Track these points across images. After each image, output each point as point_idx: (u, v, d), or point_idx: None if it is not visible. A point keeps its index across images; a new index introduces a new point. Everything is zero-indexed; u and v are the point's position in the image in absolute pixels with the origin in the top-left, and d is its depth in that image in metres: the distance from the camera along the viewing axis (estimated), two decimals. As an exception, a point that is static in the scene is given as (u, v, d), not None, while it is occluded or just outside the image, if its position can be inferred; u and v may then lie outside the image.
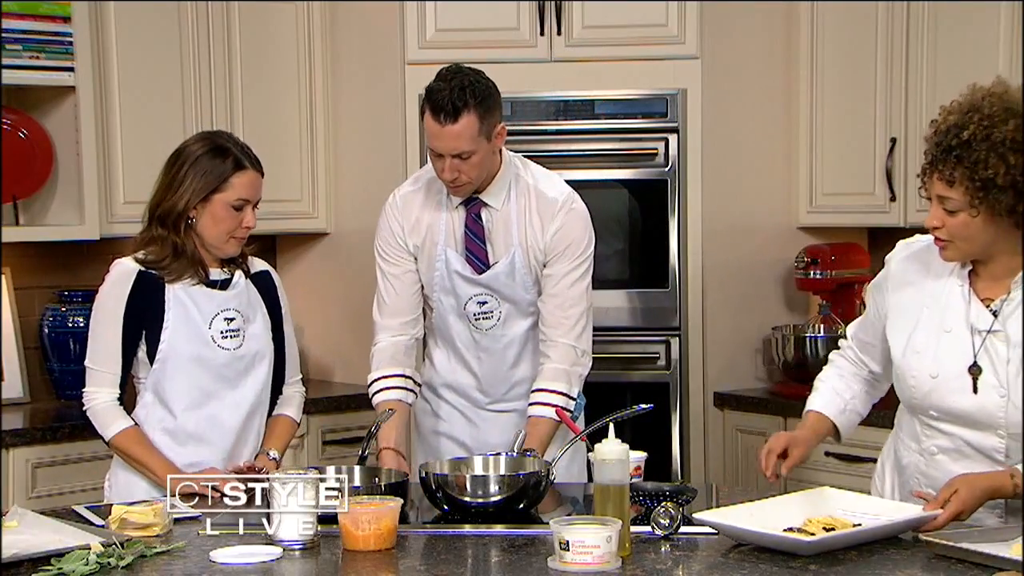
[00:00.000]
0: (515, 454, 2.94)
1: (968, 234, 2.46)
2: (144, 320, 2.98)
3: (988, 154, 2.39)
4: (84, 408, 3.00)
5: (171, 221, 2.98)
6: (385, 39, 4.44)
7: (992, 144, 2.39)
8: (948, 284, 2.60)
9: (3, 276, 4.21)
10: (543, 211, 3.20)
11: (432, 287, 3.26)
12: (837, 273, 4.39)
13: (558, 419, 3.09)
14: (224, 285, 3.05)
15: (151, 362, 2.99)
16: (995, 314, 2.54)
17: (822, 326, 4.36)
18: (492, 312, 3.26)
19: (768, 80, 4.46)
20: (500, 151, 3.20)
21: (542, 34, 4.32)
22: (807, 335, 4.33)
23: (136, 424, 2.98)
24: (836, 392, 2.84)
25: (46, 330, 4.27)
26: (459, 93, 3.02)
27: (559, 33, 4.32)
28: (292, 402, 3.20)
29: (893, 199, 4.19)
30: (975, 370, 2.54)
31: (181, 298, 2.99)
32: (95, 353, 3.00)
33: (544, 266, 3.21)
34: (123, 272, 2.99)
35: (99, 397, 2.98)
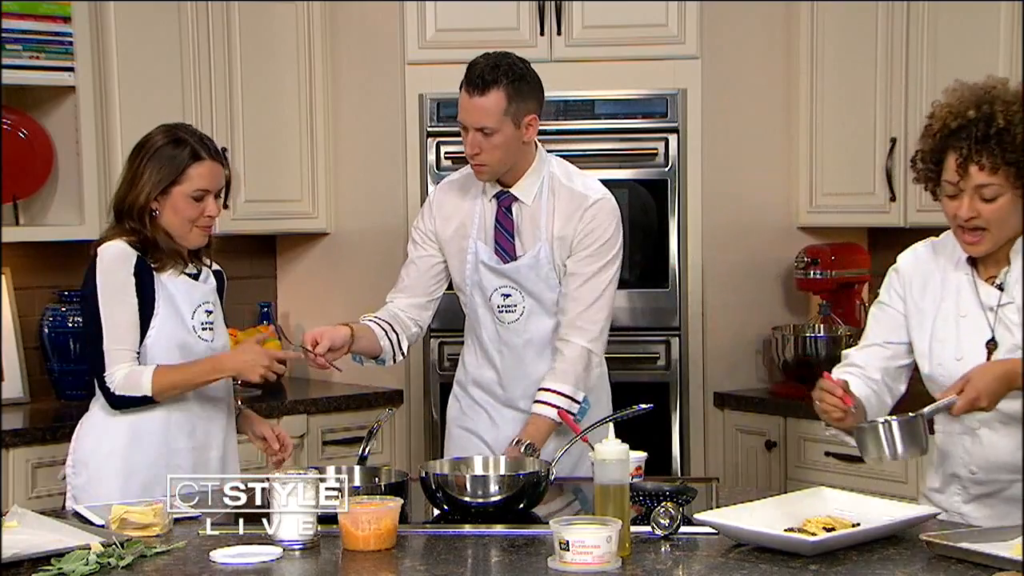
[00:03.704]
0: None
1: (1003, 217, 2.54)
2: (140, 304, 2.98)
3: None
4: (110, 390, 2.95)
5: (136, 215, 3.00)
6: (385, 39, 4.44)
7: None
8: (955, 276, 2.69)
9: (3, 276, 4.21)
10: (573, 207, 3.22)
11: (464, 280, 3.30)
12: (837, 273, 4.39)
13: (559, 420, 3.10)
14: (196, 278, 3.08)
15: (137, 348, 2.99)
16: (1001, 287, 2.63)
17: (822, 326, 4.36)
18: (515, 306, 3.27)
19: (768, 80, 4.46)
20: (536, 147, 3.24)
21: (542, 34, 4.32)
22: (807, 335, 4.33)
23: (154, 365, 2.96)
24: (863, 383, 2.78)
25: (46, 330, 4.26)
26: (492, 69, 3.09)
27: (559, 33, 4.32)
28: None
29: (893, 199, 4.19)
30: (991, 344, 2.62)
31: (168, 287, 3.01)
32: (113, 331, 2.96)
33: (566, 264, 3.23)
34: (122, 252, 2.98)
35: (118, 372, 2.96)
